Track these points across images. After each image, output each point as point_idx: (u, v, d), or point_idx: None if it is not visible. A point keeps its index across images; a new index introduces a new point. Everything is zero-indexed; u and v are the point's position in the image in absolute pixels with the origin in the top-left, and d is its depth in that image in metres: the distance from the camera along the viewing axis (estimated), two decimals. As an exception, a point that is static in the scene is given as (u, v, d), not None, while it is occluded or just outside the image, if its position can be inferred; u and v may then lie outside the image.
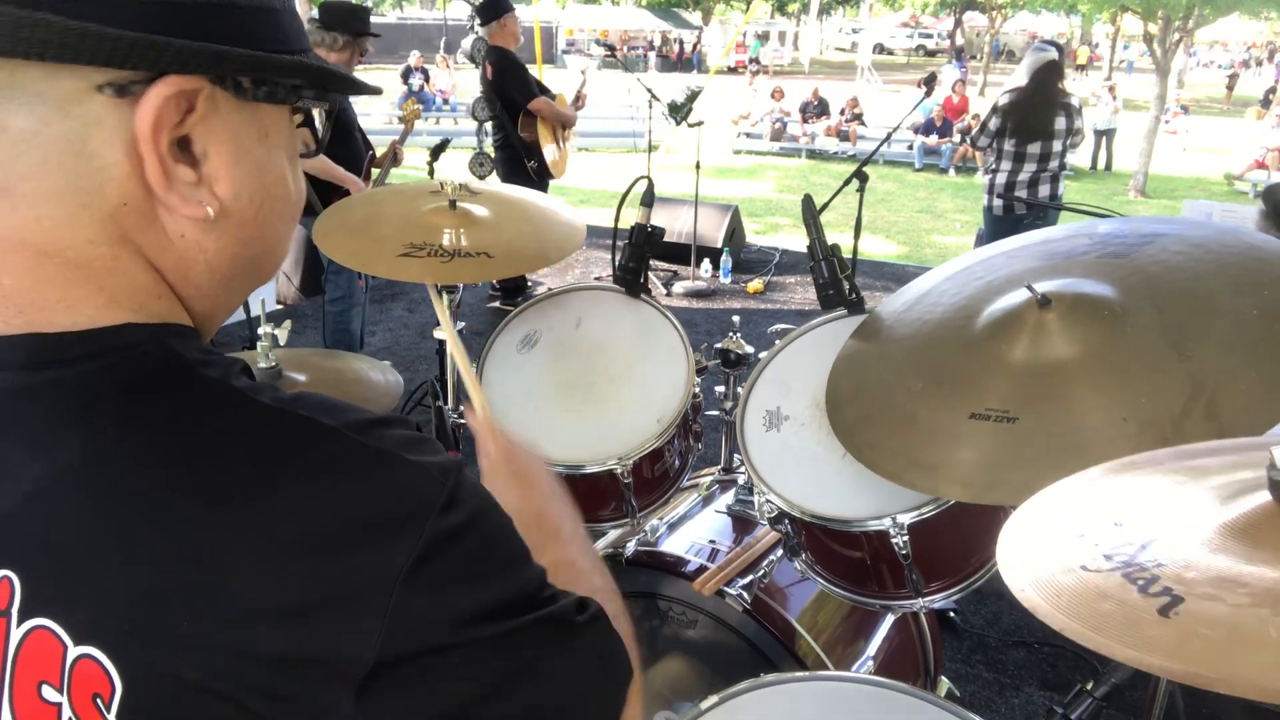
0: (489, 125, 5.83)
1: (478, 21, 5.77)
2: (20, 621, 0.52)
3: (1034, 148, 5.27)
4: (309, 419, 0.56)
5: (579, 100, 6.26)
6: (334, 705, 0.51)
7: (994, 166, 5.45)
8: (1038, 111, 5.24)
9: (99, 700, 0.51)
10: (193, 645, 0.50)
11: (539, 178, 5.80)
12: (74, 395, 0.54)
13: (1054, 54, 5.33)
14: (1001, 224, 5.37)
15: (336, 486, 0.54)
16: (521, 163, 5.76)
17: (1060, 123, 5.27)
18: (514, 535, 0.62)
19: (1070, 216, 3.88)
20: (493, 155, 5.89)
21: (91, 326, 0.56)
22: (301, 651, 0.51)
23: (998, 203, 5.40)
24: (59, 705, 0.52)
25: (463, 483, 0.58)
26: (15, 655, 0.52)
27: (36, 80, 0.53)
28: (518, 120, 5.72)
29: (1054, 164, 5.30)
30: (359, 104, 7.23)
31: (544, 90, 5.98)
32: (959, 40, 35.83)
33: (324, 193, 4.21)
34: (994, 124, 5.42)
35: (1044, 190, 5.32)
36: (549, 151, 5.87)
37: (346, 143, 4.27)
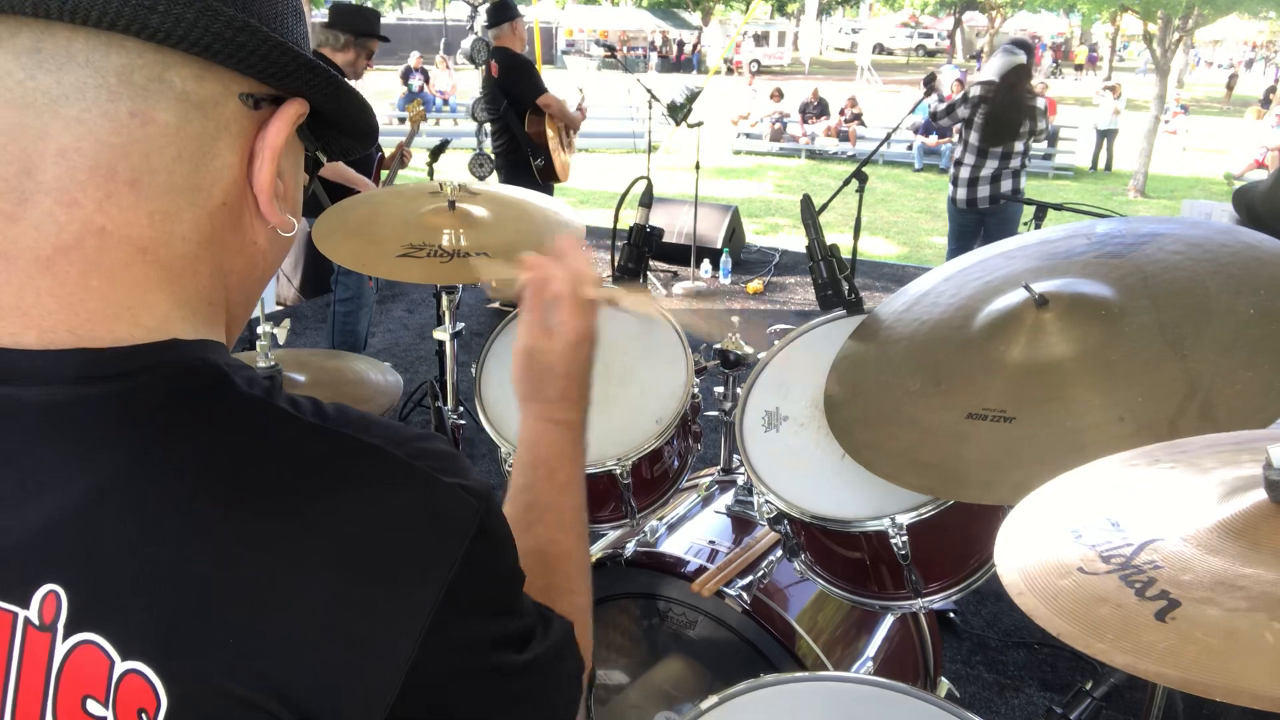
0: (488, 126, 5.81)
1: (485, 22, 5.75)
2: (67, 635, 0.52)
3: (997, 145, 5.40)
4: (351, 437, 0.58)
5: (578, 112, 6.26)
6: None
7: (959, 159, 5.56)
8: (1005, 115, 5.34)
9: (144, 716, 0.51)
10: (238, 661, 0.51)
11: (544, 178, 5.79)
12: (120, 409, 0.54)
13: (1023, 57, 5.42)
14: (965, 216, 5.58)
15: (378, 506, 0.56)
16: (523, 165, 5.74)
17: (1024, 125, 5.37)
18: (519, 566, 0.65)
19: (1031, 212, 3.99)
20: (493, 157, 5.88)
21: (141, 342, 0.56)
22: (339, 672, 0.52)
23: (961, 195, 5.53)
24: (104, 719, 0.52)
25: (493, 509, 0.60)
26: (61, 669, 0.52)
27: (185, 79, 0.56)
28: (524, 119, 5.71)
29: (1015, 161, 5.42)
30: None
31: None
32: (979, 44, 35.71)
33: (334, 194, 4.21)
34: (962, 111, 5.51)
35: (1005, 185, 5.43)
36: (553, 148, 5.86)
37: None
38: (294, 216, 0.65)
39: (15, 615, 0.52)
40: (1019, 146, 5.36)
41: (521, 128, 5.67)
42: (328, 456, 0.56)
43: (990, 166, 5.40)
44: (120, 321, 0.56)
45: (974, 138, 5.41)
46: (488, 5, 5.68)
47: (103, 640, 0.51)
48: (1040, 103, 5.42)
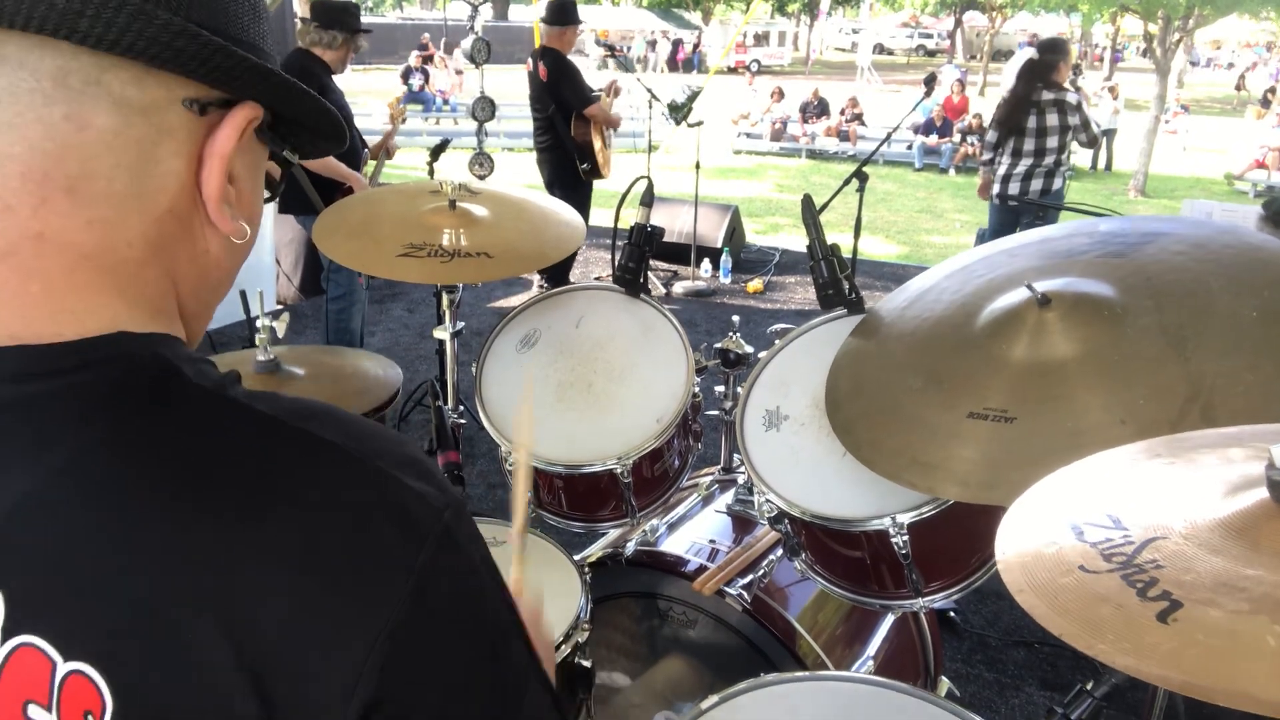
0: (493, 125, 5.80)
1: (542, 15, 5.78)
2: (5, 639, 0.50)
3: (1028, 144, 5.46)
4: (305, 431, 0.55)
5: (613, 90, 6.30)
6: None
7: (999, 160, 5.69)
8: (1017, 109, 5.46)
9: (90, 718, 0.49)
10: (184, 662, 0.49)
11: (587, 178, 5.84)
12: (64, 407, 0.52)
13: (1032, 53, 5.55)
14: (1002, 213, 5.71)
15: (332, 505, 0.53)
16: (568, 164, 5.77)
17: (1052, 119, 5.40)
18: (504, 586, 0.62)
19: (1069, 213, 4.01)
20: (492, 156, 5.88)
21: (87, 336, 0.54)
22: (292, 674, 0.50)
23: (995, 190, 5.65)
24: None
25: (462, 520, 0.57)
26: (0, 673, 0.51)
27: (125, 84, 0.53)
28: (570, 121, 5.73)
29: (1049, 159, 5.47)
30: (358, 105, 7.20)
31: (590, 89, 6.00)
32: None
33: (325, 190, 4.21)
34: (991, 136, 5.69)
35: (1036, 184, 5.50)
36: (598, 152, 5.91)
37: None
38: (250, 223, 0.62)
39: None
40: (1051, 144, 5.43)
41: (568, 132, 5.71)
42: (280, 452, 0.54)
43: (1024, 165, 5.49)
44: (64, 324, 0.54)
45: (1009, 138, 5.57)
46: (551, 1, 5.68)
47: (43, 642, 0.50)
48: (1072, 98, 5.45)
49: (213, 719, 0.49)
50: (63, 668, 0.50)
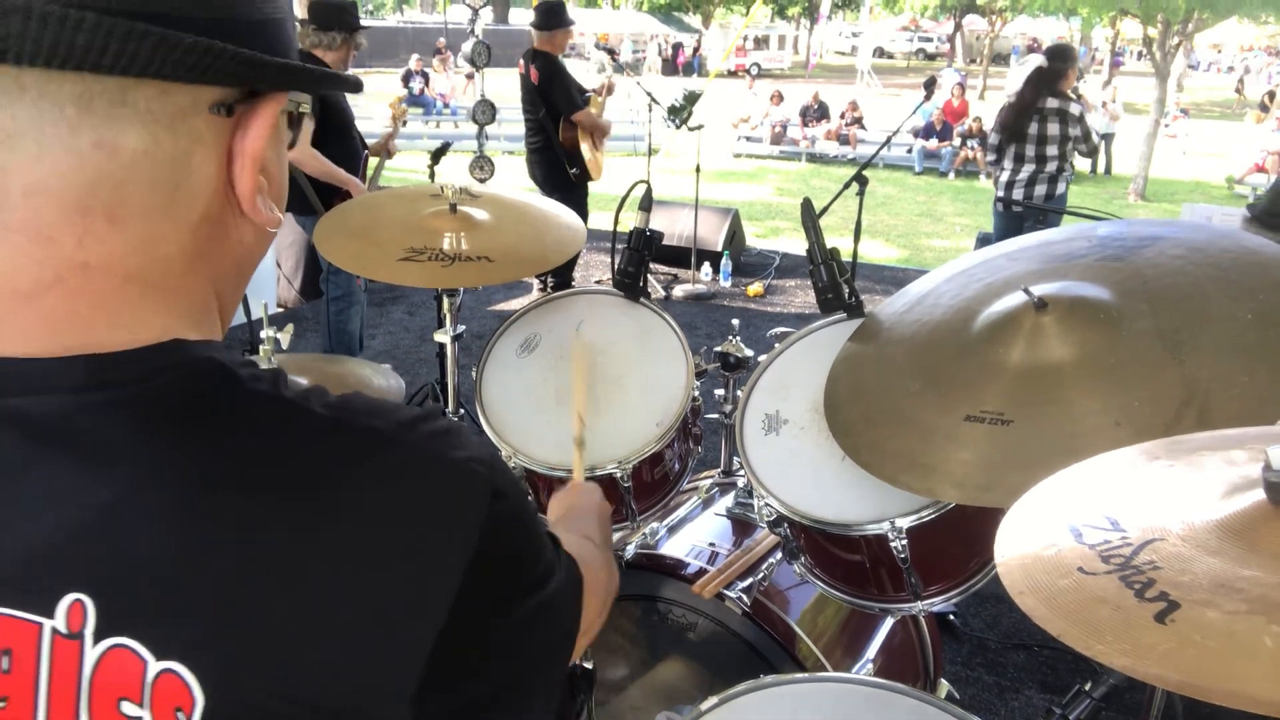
0: (493, 128, 5.82)
1: (533, 20, 5.80)
2: (97, 641, 0.52)
3: (1030, 150, 5.57)
4: (365, 426, 0.58)
5: (606, 88, 6.34)
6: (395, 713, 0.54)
7: (1001, 165, 5.79)
8: (1022, 115, 5.56)
9: (180, 713, 0.51)
10: (269, 655, 0.51)
11: (579, 181, 5.87)
12: (132, 415, 0.54)
13: (1041, 60, 5.61)
14: (1005, 218, 5.85)
15: (397, 494, 0.56)
16: (560, 166, 5.80)
17: (1053, 128, 5.50)
18: (531, 507, 0.67)
19: (1071, 218, 4.03)
20: (492, 159, 5.89)
21: (143, 345, 0.56)
22: (366, 657, 0.53)
23: (999, 195, 5.78)
24: (139, 719, 0.52)
25: (499, 470, 0.61)
26: (93, 674, 0.52)
27: (149, 98, 0.53)
28: (558, 125, 5.75)
29: (1051, 166, 5.58)
30: (359, 108, 7.21)
31: (581, 92, 6.02)
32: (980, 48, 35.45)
33: (325, 194, 4.22)
34: (994, 139, 5.80)
35: (1040, 190, 5.60)
36: (587, 156, 5.94)
37: (344, 141, 4.27)
38: (279, 202, 0.63)
39: (41, 625, 0.52)
40: (1052, 151, 5.52)
41: (557, 136, 5.73)
42: (343, 448, 0.57)
43: (1026, 170, 5.59)
44: (117, 337, 0.55)
45: (1010, 144, 5.67)
46: (539, 5, 5.71)
47: (134, 643, 0.52)
48: (1074, 108, 5.52)
49: (295, 713, 0.52)
50: (154, 666, 0.51)
